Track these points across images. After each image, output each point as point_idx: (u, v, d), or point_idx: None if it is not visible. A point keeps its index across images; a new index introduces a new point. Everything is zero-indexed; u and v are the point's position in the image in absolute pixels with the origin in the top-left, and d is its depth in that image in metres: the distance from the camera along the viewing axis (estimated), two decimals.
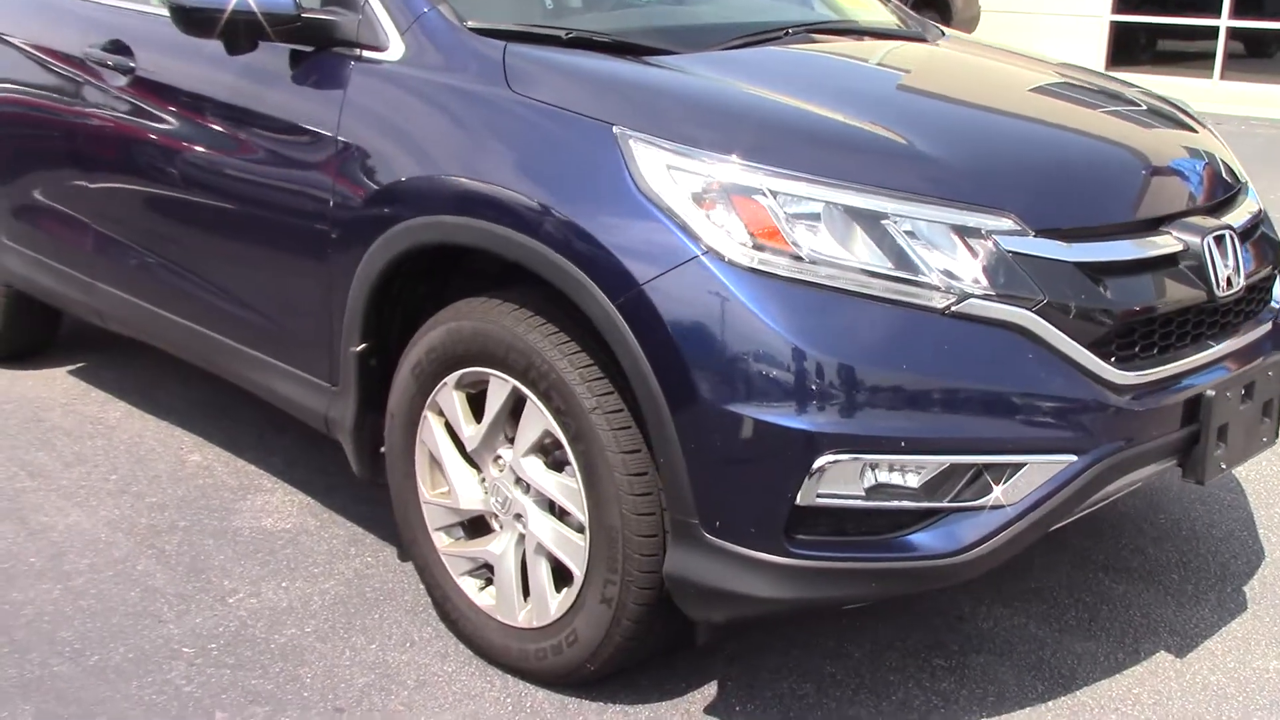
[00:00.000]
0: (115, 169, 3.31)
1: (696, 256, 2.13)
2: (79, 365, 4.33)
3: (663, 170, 2.20)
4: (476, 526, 2.62)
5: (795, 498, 2.10)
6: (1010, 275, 2.16)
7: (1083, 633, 2.78)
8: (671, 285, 2.13)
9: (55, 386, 4.13)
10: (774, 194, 2.15)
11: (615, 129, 2.26)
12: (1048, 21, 14.58)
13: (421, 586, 2.80)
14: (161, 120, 3.12)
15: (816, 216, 2.14)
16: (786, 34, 2.97)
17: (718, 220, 2.14)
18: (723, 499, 2.15)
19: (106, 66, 3.29)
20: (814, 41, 3.00)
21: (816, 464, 2.08)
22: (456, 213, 2.41)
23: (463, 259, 2.61)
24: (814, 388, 2.07)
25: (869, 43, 3.12)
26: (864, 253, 2.13)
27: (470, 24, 2.62)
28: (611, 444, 2.24)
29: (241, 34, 2.76)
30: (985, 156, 2.39)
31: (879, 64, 2.96)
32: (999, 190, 2.27)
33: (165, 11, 3.09)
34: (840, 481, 2.11)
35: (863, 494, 2.13)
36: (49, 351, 4.38)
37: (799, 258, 2.11)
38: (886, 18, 3.49)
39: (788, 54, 2.90)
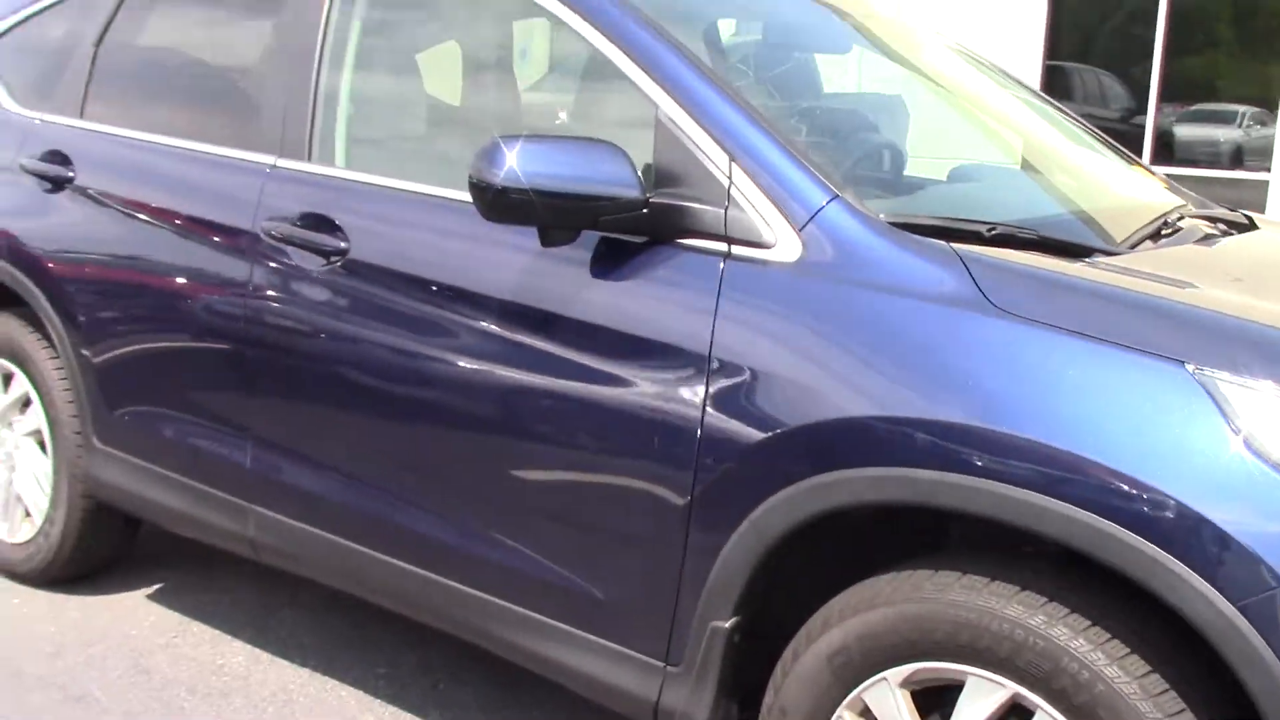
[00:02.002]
0: (314, 373, 2.65)
1: None
2: (156, 586, 3.56)
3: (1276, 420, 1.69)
4: None
5: None
6: None
7: None
8: None
9: (143, 620, 3.35)
10: None
11: (1189, 366, 1.75)
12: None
13: None
14: (396, 316, 2.49)
15: None
16: (1166, 224, 2.52)
17: None
18: None
19: (295, 245, 2.66)
20: (1211, 238, 2.55)
21: None
22: (935, 466, 1.85)
23: (890, 520, 2.04)
24: None
25: (1251, 234, 2.69)
26: None
27: (883, 217, 2.10)
28: None
29: (567, 223, 2.18)
30: None
31: None
32: None
33: (389, 184, 2.53)
34: None
35: None
36: (115, 568, 3.60)
37: None
38: (1175, 196, 3.07)
39: (1232, 253, 2.46)
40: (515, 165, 2.13)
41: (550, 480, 2.31)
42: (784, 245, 2.09)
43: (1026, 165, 3.13)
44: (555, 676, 2.40)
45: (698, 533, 2.11)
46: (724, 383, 2.07)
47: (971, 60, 3.34)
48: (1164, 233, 2.44)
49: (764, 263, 2.09)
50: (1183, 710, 1.72)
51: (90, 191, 3.12)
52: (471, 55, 2.89)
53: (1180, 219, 2.58)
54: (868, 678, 1.97)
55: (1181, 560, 1.67)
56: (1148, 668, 1.75)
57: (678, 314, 2.13)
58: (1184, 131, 13.01)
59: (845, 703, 2.00)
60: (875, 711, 1.98)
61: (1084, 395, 1.79)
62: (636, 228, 2.18)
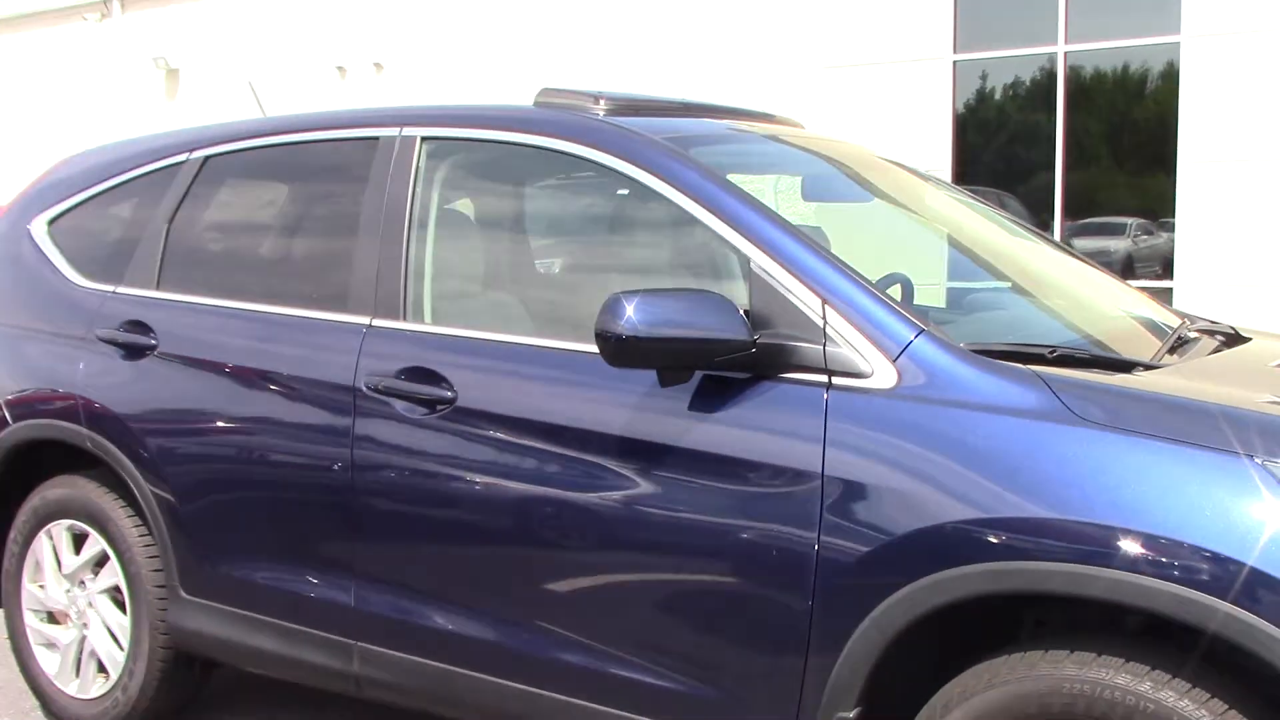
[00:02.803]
0: (426, 513, 2.87)
1: None
2: None
3: None
4: None
5: None
6: None
7: None
8: None
9: None
10: None
11: (1257, 459, 2.08)
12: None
13: None
14: (509, 456, 2.74)
15: None
16: (1179, 338, 2.89)
17: None
18: None
19: (399, 396, 2.89)
20: (1219, 349, 2.92)
21: None
22: (1044, 558, 2.14)
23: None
24: None
25: (1248, 344, 3.07)
26: None
27: (963, 344, 2.42)
28: None
29: (683, 364, 2.47)
30: None
31: None
32: None
33: (492, 338, 2.81)
34: None
35: None
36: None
37: None
38: (1164, 310, 3.46)
39: (1247, 360, 2.82)
40: (635, 316, 2.42)
41: (672, 598, 2.56)
42: (880, 374, 2.39)
43: (1017, 288, 3.49)
44: None
45: (820, 632, 2.36)
46: (838, 497, 2.35)
47: (953, 192, 3.73)
48: (1179, 347, 2.81)
49: (864, 390, 2.39)
50: None
51: (176, 357, 3.32)
52: (558, 218, 3.20)
53: (1187, 334, 2.95)
54: None
55: (1270, 620, 1.97)
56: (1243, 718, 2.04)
57: (789, 439, 2.42)
58: (1081, 244, 13.86)
59: None
60: None
61: (1167, 488, 2.11)
62: (743, 365, 2.47)
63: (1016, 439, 2.25)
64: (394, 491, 2.91)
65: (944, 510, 2.24)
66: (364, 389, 2.95)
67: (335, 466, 2.98)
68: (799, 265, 2.52)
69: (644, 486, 2.56)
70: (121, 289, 3.55)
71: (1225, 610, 2.00)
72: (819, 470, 2.37)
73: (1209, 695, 2.06)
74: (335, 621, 3.04)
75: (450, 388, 2.83)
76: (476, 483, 2.77)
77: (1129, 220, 13.84)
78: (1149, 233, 13.55)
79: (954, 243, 3.62)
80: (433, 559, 2.88)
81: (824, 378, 2.44)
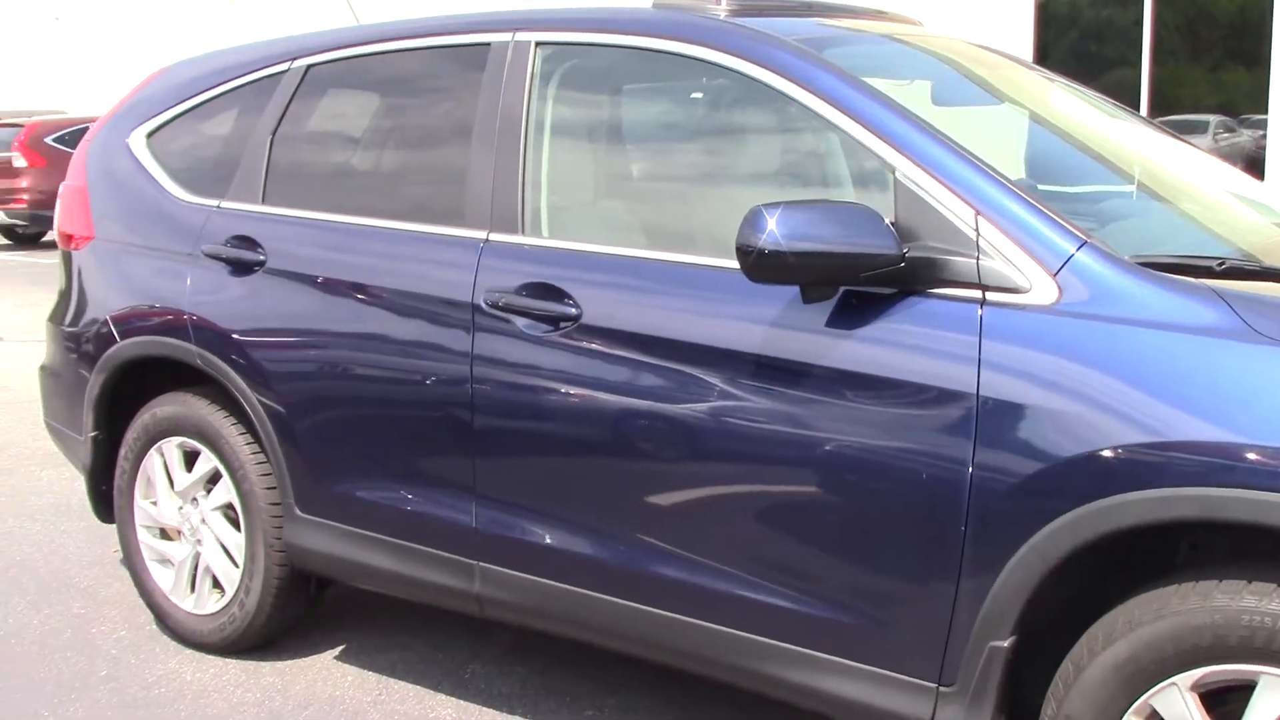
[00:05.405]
0: (551, 431, 2.80)
1: None
2: (340, 647, 3.68)
3: None
4: None
5: None
6: None
7: None
8: None
9: (340, 680, 3.48)
10: None
11: None
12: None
13: None
14: (638, 375, 2.66)
15: None
16: None
17: None
18: None
19: (520, 313, 2.81)
20: None
21: None
22: (1217, 484, 2.03)
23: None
24: None
25: None
26: None
27: (1129, 257, 2.29)
28: None
29: (828, 280, 2.36)
30: None
31: None
32: None
33: (618, 252, 2.70)
34: None
35: None
36: (296, 632, 3.73)
37: None
38: None
39: None
40: (777, 229, 2.31)
41: (814, 519, 2.47)
42: (1039, 289, 2.27)
43: (1149, 192, 3.32)
44: (819, 707, 2.55)
45: (973, 559, 2.28)
46: (994, 419, 2.24)
47: (1079, 94, 3.54)
48: None
49: (1022, 306, 2.27)
50: None
51: (286, 273, 3.26)
52: (681, 127, 3.07)
53: None
54: (1156, 684, 2.14)
55: None
56: None
57: (940, 358, 2.31)
58: None
59: (1133, 709, 2.17)
60: (1164, 715, 2.15)
61: None
62: (891, 280, 2.36)
63: (1192, 358, 2.12)
64: (516, 410, 2.84)
65: (1112, 433, 2.13)
66: (483, 305, 2.87)
67: (454, 384, 2.92)
68: (948, 173, 2.39)
69: (783, 407, 2.47)
70: (226, 204, 3.48)
71: None
72: (973, 391, 2.27)
73: None
74: (456, 541, 3.00)
75: (574, 304, 2.75)
76: (603, 402, 2.70)
77: (1210, 118, 13.38)
78: (1230, 130, 13.10)
79: (1082, 145, 3.44)
80: (556, 479, 2.82)
81: (977, 293, 2.32)
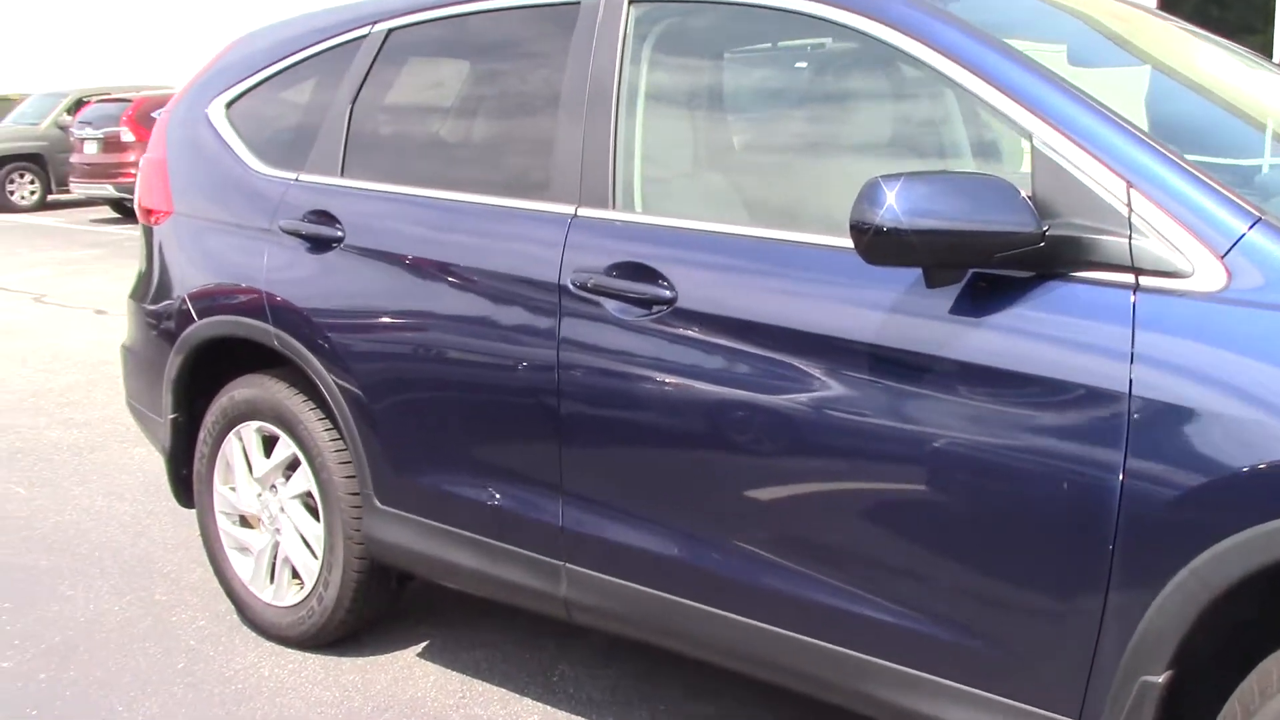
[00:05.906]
0: (646, 426, 2.55)
1: None
2: (423, 644, 3.51)
3: None
4: None
5: None
6: None
7: None
8: None
9: (422, 680, 3.30)
10: None
11: None
12: None
13: None
14: (741, 365, 2.40)
15: None
16: None
17: None
18: None
19: (610, 295, 2.58)
20: None
21: None
22: None
23: None
24: None
25: None
26: None
27: None
28: None
29: (956, 261, 2.08)
30: None
31: None
32: None
33: (718, 230, 2.45)
34: None
35: None
36: (378, 627, 3.56)
37: None
38: None
39: None
40: (897, 205, 2.03)
41: (933, 528, 2.20)
42: (1204, 273, 1.96)
43: None
44: None
45: (1122, 581, 1.99)
46: (1150, 423, 1.95)
47: (1231, 51, 3.19)
48: None
49: (1183, 293, 1.97)
50: None
51: (365, 250, 3.07)
52: (790, 91, 2.80)
53: None
54: None
55: None
56: None
57: (1086, 351, 2.02)
58: None
59: None
60: None
61: None
62: (1028, 262, 2.07)
63: None
64: (605, 401, 2.61)
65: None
66: (570, 287, 2.64)
67: (539, 372, 2.70)
68: (1096, 141, 2.09)
69: (901, 403, 2.20)
70: (304, 176, 3.30)
71: None
72: (1125, 389, 1.97)
73: None
74: (541, 540, 2.79)
75: (670, 286, 2.50)
76: (699, 393, 2.45)
77: None
78: None
79: (1237, 109, 3.10)
80: (647, 476, 2.58)
81: (1129, 277, 2.02)
